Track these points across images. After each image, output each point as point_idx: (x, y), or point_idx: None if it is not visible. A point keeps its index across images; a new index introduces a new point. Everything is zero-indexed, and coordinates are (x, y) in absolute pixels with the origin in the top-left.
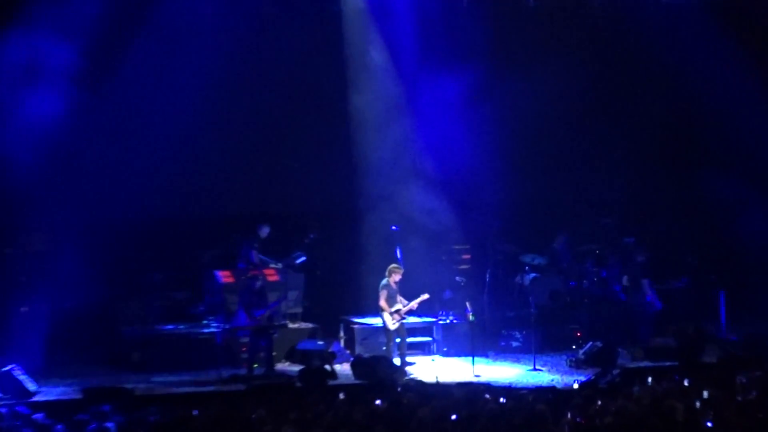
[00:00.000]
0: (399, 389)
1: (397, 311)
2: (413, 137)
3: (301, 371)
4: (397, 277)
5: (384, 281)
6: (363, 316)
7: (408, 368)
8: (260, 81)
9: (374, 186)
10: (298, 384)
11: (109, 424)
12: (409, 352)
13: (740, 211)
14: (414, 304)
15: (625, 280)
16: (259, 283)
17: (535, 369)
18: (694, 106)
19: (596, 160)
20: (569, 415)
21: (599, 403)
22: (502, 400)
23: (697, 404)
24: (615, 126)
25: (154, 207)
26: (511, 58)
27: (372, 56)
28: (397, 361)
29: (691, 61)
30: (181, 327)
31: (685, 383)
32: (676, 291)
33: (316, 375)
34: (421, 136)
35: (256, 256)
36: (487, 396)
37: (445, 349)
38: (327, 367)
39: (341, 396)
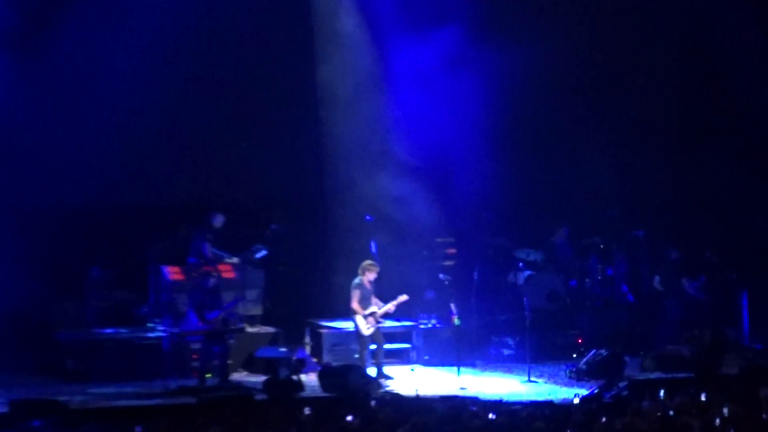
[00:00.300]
0: (373, 403)
1: (372, 314)
2: (388, 115)
3: (266, 381)
4: (371, 276)
5: (357, 280)
6: (332, 319)
7: (384, 380)
8: (215, 52)
9: (344, 171)
10: (258, 397)
11: None
12: (385, 360)
13: (764, 200)
14: (391, 306)
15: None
16: (212, 281)
17: (529, 381)
18: (712, 79)
19: (600, 141)
20: None
21: (603, 420)
22: (491, 416)
23: (717, 422)
24: (621, 102)
25: (92, 193)
26: (497, 20)
27: (342, 22)
28: (371, 371)
29: (709, 24)
30: (123, 331)
31: (702, 398)
32: (692, 290)
33: (283, 386)
34: (398, 113)
35: (210, 250)
36: (474, 411)
37: (426, 357)
38: (294, 377)
39: (307, 411)
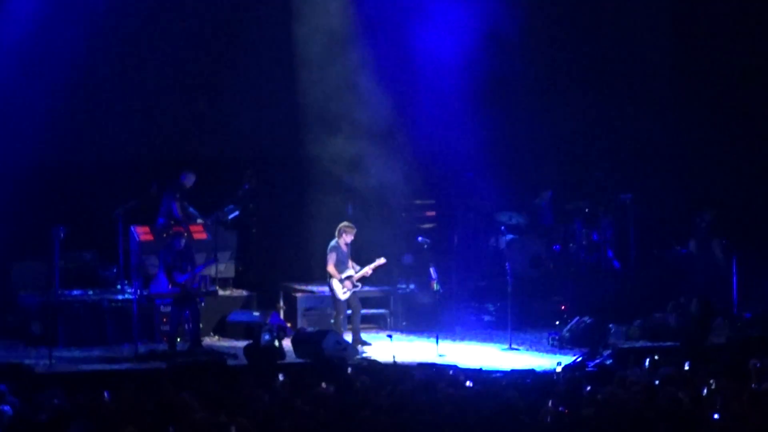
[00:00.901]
0: (349, 371)
1: (349, 278)
2: (364, 74)
3: (248, 347)
4: (348, 238)
5: (333, 242)
6: (307, 283)
7: (360, 346)
8: (190, 6)
9: (320, 130)
10: (231, 362)
11: (5, 408)
12: (362, 326)
13: (755, 162)
14: (368, 269)
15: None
16: (183, 242)
17: (510, 348)
18: (703, 37)
19: (587, 101)
20: (550, 404)
21: (586, 389)
22: (468, 383)
23: (704, 392)
24: (609, 59)
25: (57, 149)
26: None
27: None
28: (347, 337)
29: None
30: (90, 293)
31: (689, 368)
32: (680, 258)
33: (264, 353)
34: (375, 72)
35: (180, 210)
36: (452, 378)
37: (404, 323)
38: (276, 343)
39: (281, 378)
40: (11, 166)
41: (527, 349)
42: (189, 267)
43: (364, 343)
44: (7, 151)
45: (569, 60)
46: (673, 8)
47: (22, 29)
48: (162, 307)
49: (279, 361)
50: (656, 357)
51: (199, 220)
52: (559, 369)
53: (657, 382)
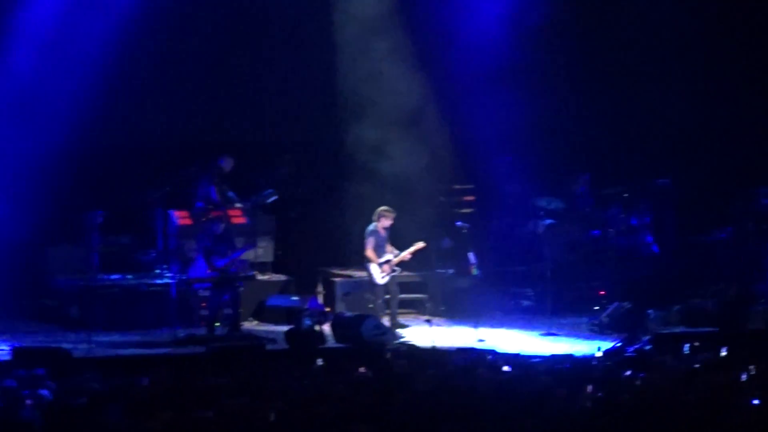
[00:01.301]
0: (388, 355)
1: (387, 262)
2: (400, 55)
3: (289, 332)
4: (387, 222)
5: (371, 227)
6: (345, 267)
7: (399, 330)
8: None
9: (357, 113)
10: (269, 347)
11: (43, 392)
12: (400, 311)
13: None
14: (407, 254)
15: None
16: (221, 226)
17: (549, 333)
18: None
19: (625, 81)
20: (589, 389)
21: (625, 375)
22: (505, 368)
23: (743, 378)
24: (648, 37)
25: (95, 133)
26: None
27: None
28: (385, 321)
29: None
30: (129, 277)
31: (728, 353)
32: (718, 243)
33: (305, 337)
34: (411, 51)
35: (218, 194)
36: (491, 364)
37: (442, 308)
38: (317, 328)
39: (319, 362)
40: (49, 150)
41: (566, 335)
42: (228, 251)
43: (402, 326)
44: (44, 135)
45: (606, 43)
46: None
47: (55, 11)
48: (201, 291)
49: (319, 346)
50: (695, 343)
51: (238, 204)
52: (599, 354)
53: (695, 368)
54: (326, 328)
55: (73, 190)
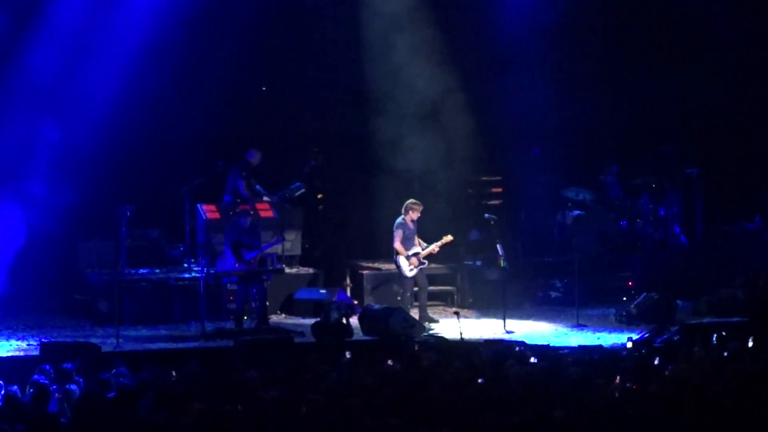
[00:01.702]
0: (416, 347)
1: (415, 255)
2: (428, 48)
3: (316, 324)
4: (415, 215)
5: (400, 219)
6: (373, 260)
7: (428, 323)
8: None
9: (384, 105)
10: (298, 340)
11: (72, 386)
12: (429, 303)
13: None
14: (435, 246)
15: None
16: (249, 220)
17: (578, 325)
18: None
19: (654, 71)
20: (618, 380)
21: (654, 365)
22: (533, 360)
23: None
24: (677, 28)
25: (123, 127)
26: None
27: None
28: (414, 314)
29: None
30: (157, 271)
31: (756, 343)
32: (747, 233)
33: (332, 330)
34: (438, 44)
35: (246, 188)
36: (519, 355)
37: (471, 300)
38: (344, 321)
39: (347, 355)
40: (79, 146)
41: (594, 326)
42: (256, 244)
43: (432, 320)
44: (73, 130)
45: (634, 33)
46: None
47: (86, 8)
48: (228, 285)
49: (347, 339)
50: (723, 333)
51: (266, 198)
52: (630, 345)
53: (724, 358)
54: (354, 320)
55: (103, 184)
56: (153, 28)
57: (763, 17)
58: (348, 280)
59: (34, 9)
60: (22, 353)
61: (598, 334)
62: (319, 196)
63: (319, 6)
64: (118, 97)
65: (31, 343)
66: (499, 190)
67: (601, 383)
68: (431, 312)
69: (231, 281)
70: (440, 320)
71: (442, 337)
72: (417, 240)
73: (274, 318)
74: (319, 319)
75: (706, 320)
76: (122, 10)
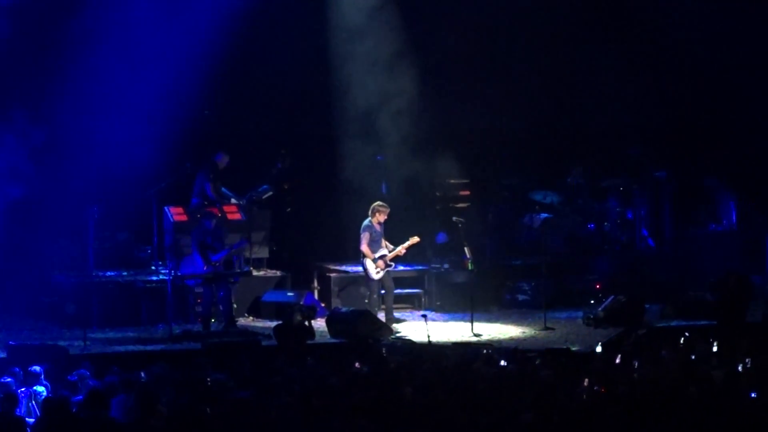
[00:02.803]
0: (384, 350)
1: (382, 257)
2: (397, 46)
3: (277, 327)
4: (382, 217)
5: (366, 222)
6: (341, 263)
7: (395, 325)
8: None
9: (352, 108)
10: (265, 343)
11: (39, 389)
12: (396, 306)
13: None
14: (402, 248)
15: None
16: (214, 222)
17: (545, 328)
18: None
19: (620, 74)
20: (586, 382)
21: (621, 368)
22: (502, 363)
23: (739, 369)
24: (642, 29)
25: (91, 129)
26: None
27: None
28: (381, 316)
29: None
30: (124, 274)
31: (724, 346)
32: (715, 235)
33: (294, 333)
34: (409, 40)
35: (213, 190)
36: (487, 358)
37: (438, 303)
38: (306, 323)
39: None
40: (45, 146)
41: (562, 329)
42: (221, 246)
43: (398, 321)
44: (41, 131)
45: (602, 35)
46: None
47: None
48: (196, 287)
49: (309, 341)
50: (690, 335)
51: (233, 201)
52: (599, 348)
53: (692, 361)
54: (321, 323)
55: (70, 186)
56: (125, 29)
57: (731, 16)
58: (315, 283)
59: None
60: None
61: (565, 337)
62: (286, 186)
63: (285, 9)
64: (84, 98)
65: None
66: (467, 192)
67: (569, 385)
68: (398, 315)
69: (198, 284)
70: (407, 321)
71: (409, 340)
72: (384, 242)
73: (242, 321)
74: (280, 321)
75: (673, 323)
76: (87, 13)
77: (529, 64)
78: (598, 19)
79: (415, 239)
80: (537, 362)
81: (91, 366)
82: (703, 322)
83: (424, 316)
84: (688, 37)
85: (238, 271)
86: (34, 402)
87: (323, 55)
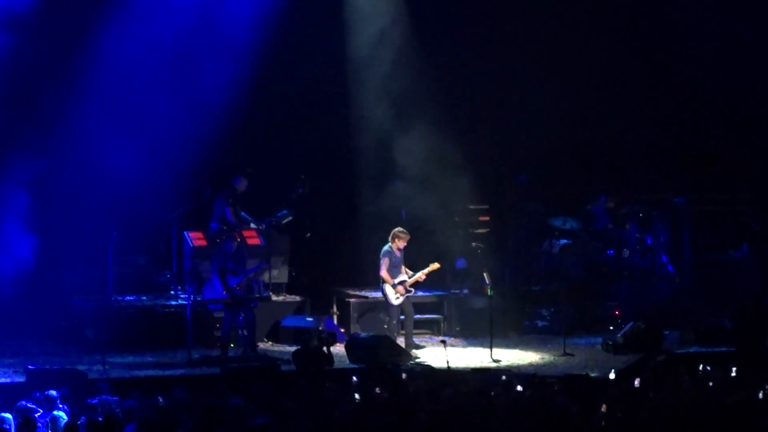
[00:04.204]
0: (403, 376)
1: (402, 283)
2: (417, 70)
3: (296, 352)
4: (402, 243)
5: (386, 247)
6: (360, 288)
7: (414, 351)
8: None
9: (372, 132)
10: (284, 368)
11: (58, 413)
12: (415, 331)
13: None
14: (422, 274)
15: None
16: (234, 245)
17: (564, 353)
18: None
19: (641, 100)
20: (604, 408)
21: (640, 394)
22: (519, 388)
23: (759, 395)
24: (663, 56)
25: (110, 155)
26: None
27: None
28: (400, 342)
29: None
30: (144, 298)
31: (742, 372)
32: (734, 262)
33: (312, 358)
34: (424, 71)
35: (233, 215)
36: (506, 384)
37: (458, 328)
38: (324, 349)
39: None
40: (65, 172)
41: (581, 355)
42: (240, 270)
43: (417, 347)
44: (60, 157)
45: (622, 62)
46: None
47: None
48: (215, 312)
49: (327, 367)
50: (710, 362)
51: (253, 225)
52: (613, 374)
53: (710, 387)
54: (340, 348)
55: (90, 211)
56: (140, 56)
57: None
58: (335, 308)
59: None
60: (8, 380)
61: (584, 363)
62: (308, 235)
63: (306, 35)
64: (103, 125)
65: (17, 369)
66: (487, 218)
67: (588, 412)
68: (417, 340)
69: (217, 308)
70: (427, 347)
71: (428, 366)
72: (404, 268)
73: (261, 345)
74: (299, 346)
75: (692, 349)
76: (102, 40)
77: (549, 90)
78: (619, 45)
79: (436, 265)
80: (556, 388)
81: (111, 391)
82: (722, 349)
83: (443, 341)
84: (709, 65)
85: (258, 296)
86: (53, 427)
87: (342, 82)
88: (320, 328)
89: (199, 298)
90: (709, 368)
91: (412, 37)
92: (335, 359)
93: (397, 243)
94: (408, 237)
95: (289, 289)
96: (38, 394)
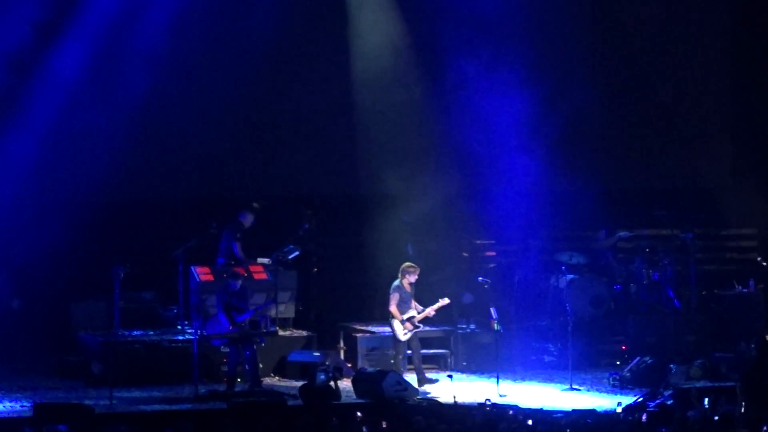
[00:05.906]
0: (410, 410)
1: (410, 319)
2: (425, 104)
3: (303, 387)
4: (412, 278)
5: (396, 283)
6: (367, 323)
7: (426, 386)
8: (244, 36)
9: (378, 167)
10: (291, 402)
11: None
12: (423, 366)
13: None
14: (431, 310)
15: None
16: (239, 282)
17: (571, 388)
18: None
19: (646, 138)
20: None
21: (647, 429)
22: (529, 422)
23: (764, 429)
24: (668, 94)
25: (117, 188)
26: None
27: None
28: (407, 377)
29: None
30: (150, 333)
31: (747, 408)
32: (741, 297)
33: (319, 393)
34: (434, 102)
35: (240, 250)
36: (512, 419)
37: (464, 363)
38: (331, 384)
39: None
40: (71, 206)
41: (588, 390)
42: (245, 307)
43: (430, 381)
44: (67, 191)
45: (628, 95)
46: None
47: (79, 67)
48: (222, 347)
49: (333, 402)
50: (716, 397)
51: (260, 261)
52: (619, 410)
53: (716, 422)
54: (347, 383)
55: (96, 245)
56: (145, 87)
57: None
58: (342, 343)
59: None
60: (15, 415)
61: (591, 398)
62: (315, 270)
63: (311, 69)
64: (111, 156)
65: (24, 404)
66: (493, 253)
67: None
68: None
69: (224, 343)
70: (439, 381)
71: (435, 401)
72: (413, 303)
73: (267, 380)
74: (306, 381)
75: (699, 384)
76: (113, 69)
77: (554, 124)
78: (620, 79)
79: (446, 300)
80: (563, 423)
81: (118, 426)
82: (728, 383)
83: (450, 376)
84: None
85: (264, 331)
86: None
87: (349, 113)
88: (327, 363)
89: (205, 333)
90: (715, 402)
91: (422, 70)
92: (342, 394)
93: (407, 278)
94: (417, 271)
95: (296, 324)
96: (46, 427)
